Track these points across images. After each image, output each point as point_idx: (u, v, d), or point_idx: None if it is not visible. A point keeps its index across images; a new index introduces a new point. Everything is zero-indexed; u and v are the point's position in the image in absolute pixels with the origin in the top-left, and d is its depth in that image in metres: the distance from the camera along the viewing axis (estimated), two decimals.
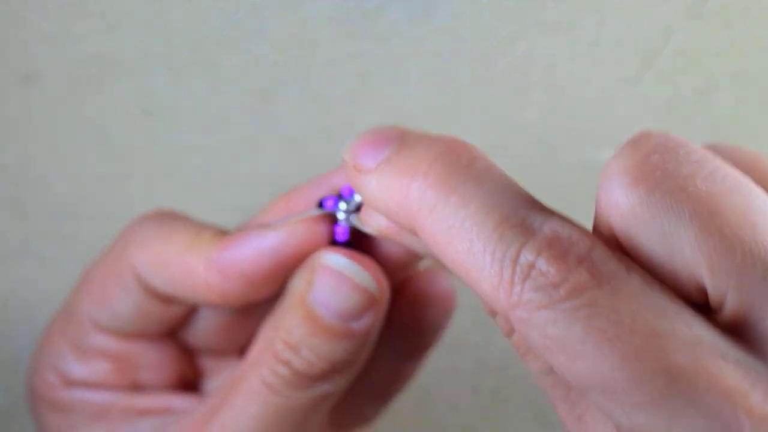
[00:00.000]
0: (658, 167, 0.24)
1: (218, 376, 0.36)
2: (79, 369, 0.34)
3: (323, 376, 0.31)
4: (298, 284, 0.32)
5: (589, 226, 0.26)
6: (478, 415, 0.46)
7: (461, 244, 0.24)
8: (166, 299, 0.33)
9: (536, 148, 0.46)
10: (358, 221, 0.31)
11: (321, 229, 0.32)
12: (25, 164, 0.46)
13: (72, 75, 0.46)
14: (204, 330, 0.35)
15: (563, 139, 0.46)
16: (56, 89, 0.46)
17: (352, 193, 0.32)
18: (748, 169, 0.26)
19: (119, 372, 0.35)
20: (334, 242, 0.32)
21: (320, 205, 0.32)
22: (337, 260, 0.31)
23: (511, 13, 0.46)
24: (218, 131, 0.46)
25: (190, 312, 0.35)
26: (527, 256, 0.23)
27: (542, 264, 0.23)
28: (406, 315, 0.35)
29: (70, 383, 0.34)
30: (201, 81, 0.46)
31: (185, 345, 0.36)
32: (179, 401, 0.35)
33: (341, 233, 0.32)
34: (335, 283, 0.31)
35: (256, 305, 0.34)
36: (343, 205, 0.32)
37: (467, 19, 0.46)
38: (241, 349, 0.36)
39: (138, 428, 0.34)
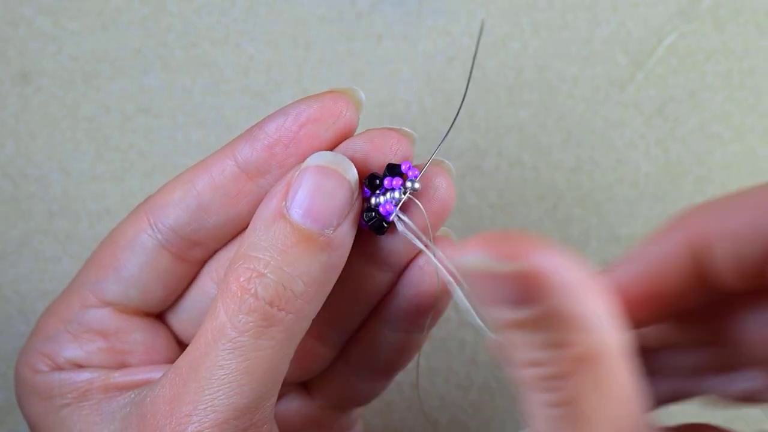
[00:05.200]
0: None
1: None
2: (72, 349, 0.34)
3: (293, 302, 0.29)
4: (265, 206, 0.30)
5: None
6: (467, 410, 0.47)
7: None
8: (183, 245, 0.33)
9: (528, 147, 0.46)
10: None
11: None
12: (22, 162, 0.46)
13: (68, 73, 0.46)
14: (196, 318, 0.35)
15: (556, 139, 0.46)
16: (53, 88, 0.46)
17: (412, 169, 0.31)
18: None
19: (110, 352, 0.34)
20: (374, 220, 0.31)
21: (377, 181, 0.31)
22: (321, 156, 0.30)
23: (504, 13, 0.46)
24: (213, 129, 0.46)
25: (183, 291, 0.35)
26: None
27: None
28: (413, 285, 0.33)
29: (59, 365, 0.34)
30: (196, 79, 0.46)
31: (179, 340, 0.36)
32: (159, 374, 0.33)
33: (390, 210, 0.31)
34: (321, 178, 0.29)
35: None
36: (408, 184, 0.31)
37: (460, 20, 0.46)
38: None
39: (119, 402, 0.33)
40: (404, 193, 0.31)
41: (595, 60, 0.46)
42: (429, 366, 0.46)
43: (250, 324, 0.29)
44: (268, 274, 0.29)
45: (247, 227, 0.33)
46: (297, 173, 0.30)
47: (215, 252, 0.34)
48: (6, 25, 0.46)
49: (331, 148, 0.31)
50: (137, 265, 0.33)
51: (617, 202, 0.46)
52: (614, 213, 0.46)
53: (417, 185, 0.31)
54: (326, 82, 0.46)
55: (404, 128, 0.32)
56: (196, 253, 0.34)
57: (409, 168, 0.31)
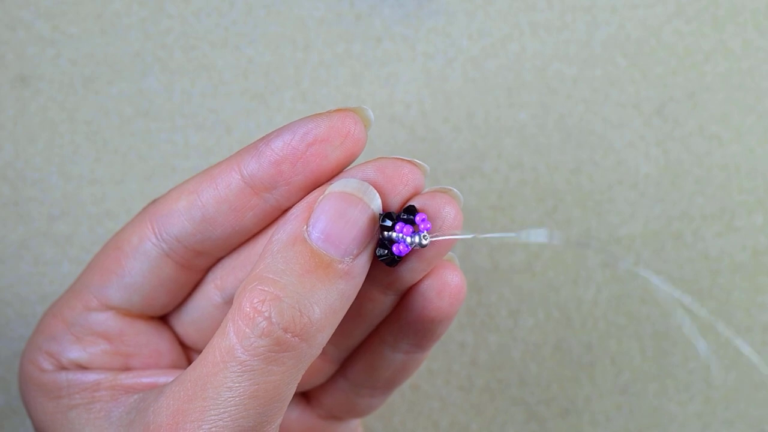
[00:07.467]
0: None
1: None
2: (75, 350, 0.34)
3: (308, 330, 0.28)
4: (283, 228, 0.30)
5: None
6: (469, 412, 0.47)
7: None
8: (187, 255, 0.33)
9: (528, 149, 0.46)
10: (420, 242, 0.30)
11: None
12: (21, 166, 0.46)
13: (67, 77, 0.46)
14: (199, 323, 0.35)
15: (555, 140, 0.46)
16: (51, 91, 0.46)
17: (424, 222, 0.30)
18: None
19: (114, 355, 0.34)
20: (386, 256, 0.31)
21: (388, 222, 0.30)
22: (347, 183, 0.30)
23: (503, 14, 0.46)
24: (212, 132, 0.46)
25: (187, 297, 0.35)
26: None
27: None
28: (415, 308, 0.33)
29: (63, 365, 0.34)
30: (195, 82, 0.46)
31: (182, 342, 0.36)
32: (165, 379, 0.33)
33: (403, 250, 0.30)
34: (345, 205, 0.29)
35: None
36: (417, 238, 0.30)
37: (459, 21, 0.46)
38: None
39: (125, 406, 0.32)
40: (417, 241, 0.30)
41: (594, 61, 0.46)
42: (429, 368, 0.46)
43: (262, 348, 0.28)
44: (285, 298, 0.28)
45: (252, 238, 0.33)
46: (321, 198, 0.30)
47: (219, 260, 0.34)
48: (4, 29, 0.46)
49: (340, 168, 0.31)
50: (141, 272, 0.33)
51: (617, 203, 0.46)
52: (614, 214, 0.46)
53: (425, 242, 0.30)
54: (325, 83, 0.46)
55: (416, 160, 0.31)
56: (200, 262, 0.34)
57: (423, 220, 0.30)
